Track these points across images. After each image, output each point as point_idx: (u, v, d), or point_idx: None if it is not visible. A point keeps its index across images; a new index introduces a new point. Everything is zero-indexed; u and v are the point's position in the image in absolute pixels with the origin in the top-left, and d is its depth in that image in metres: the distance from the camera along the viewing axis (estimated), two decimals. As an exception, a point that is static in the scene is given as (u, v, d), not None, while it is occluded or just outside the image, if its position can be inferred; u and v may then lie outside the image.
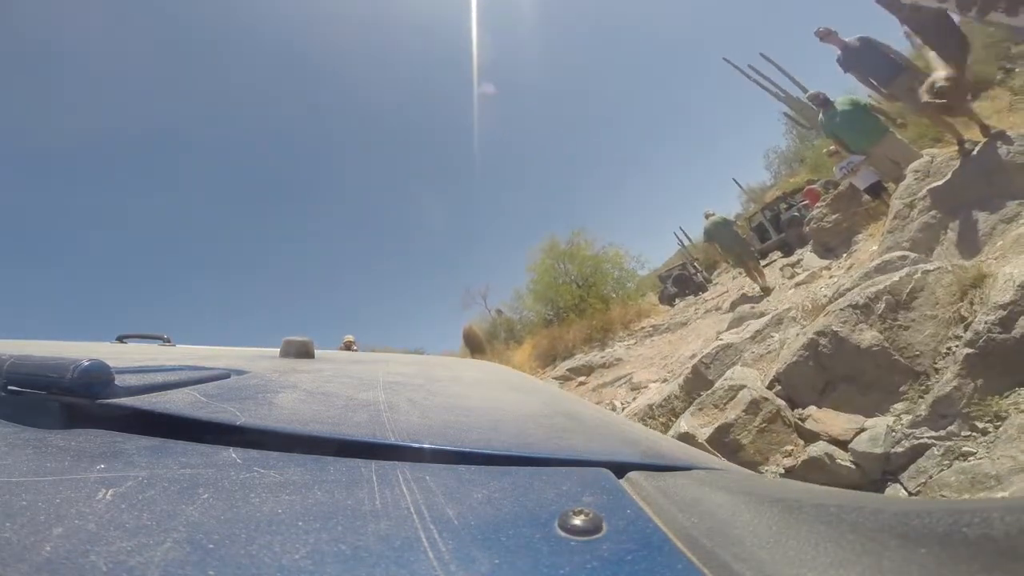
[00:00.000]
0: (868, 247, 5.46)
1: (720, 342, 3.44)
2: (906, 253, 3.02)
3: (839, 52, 4.53)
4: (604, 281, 11.63)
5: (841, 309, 2.32)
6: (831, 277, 5.43)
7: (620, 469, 0.37)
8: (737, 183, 20.01)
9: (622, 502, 0.31)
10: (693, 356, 5.52)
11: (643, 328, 8.70)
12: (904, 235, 4.07)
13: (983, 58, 7.66)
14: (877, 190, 5.09)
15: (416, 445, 0.40)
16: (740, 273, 9.95)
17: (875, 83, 4.48)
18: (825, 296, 4.54)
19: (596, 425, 0.60)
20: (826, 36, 4.56)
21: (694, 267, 13.90)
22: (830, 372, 2.32)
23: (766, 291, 6.67)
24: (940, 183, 3.84)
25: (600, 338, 9.22)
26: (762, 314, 4.91)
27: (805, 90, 14.41)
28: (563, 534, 0.26)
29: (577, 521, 0.27)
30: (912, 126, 5.57)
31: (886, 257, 2.91)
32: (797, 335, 2.66)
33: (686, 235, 20.39)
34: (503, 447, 0.42)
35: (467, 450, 0.40)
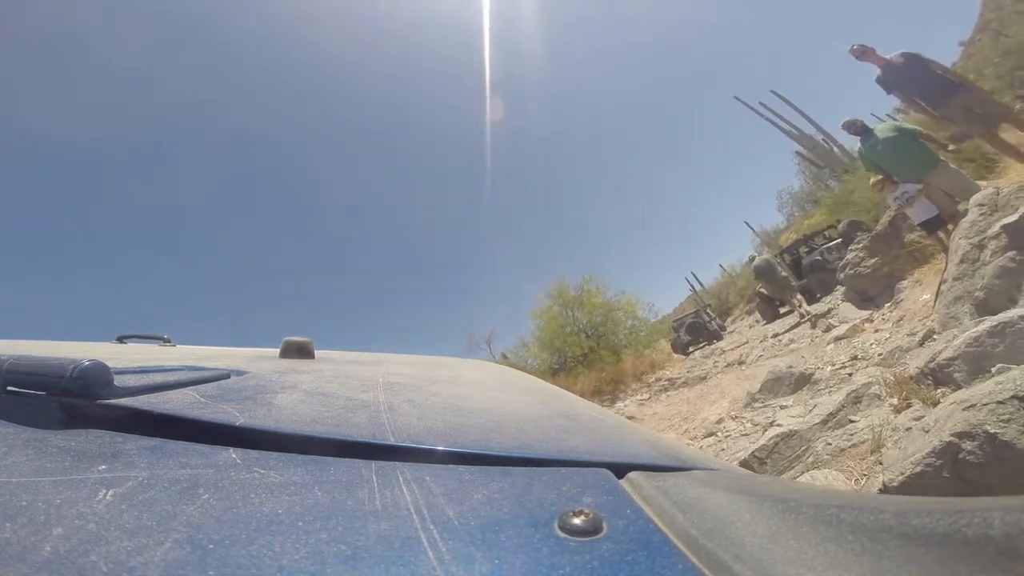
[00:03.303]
0: (916, 295, 4.80)
1: (779, 428, 2.64)
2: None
3: (879, 71, 4.05)
4: (616, 331, 10.96)
5: (999, 402, 1.61)
6: (876, 331, 4.76)
7: (620, 470, 0.37)
8: (749, 226, 19.68)
9: (622, 502, 0.31)
10: (719, 421, 4.80)
11: (658, 381, 7.98)
12: (976, 282, 3.42)
13: (997, 88, 7.30)
14: (936, 225, 4.43)
15: (416, 446, 0.40)
16: (757, 322, 10.85)
17: (924, 104, 3.94)
18: (878, 353, 3.83)
19: (596, 425, 0.59)
20: (863, 54, 4.09)
21: (708, 314, 13.26)
22: (979, 487, 1.67)
23: (808, 316, 7.26)
24: (1015, 218, 3.27)
25: (610, 391, 8.57)
26: (803, 376, 4.18)
27: (817, 127, 14.26)
28: (563, 534, 0.26)
29: (577, 521, 0.27)
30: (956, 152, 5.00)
31: (1005, 317, 2.21)
32: (910, 430, 1.89)
33: (698, 280, 19.91)
34: (503, 448, 0.41)
35: (467, 451, 0.40)
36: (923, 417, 1.99)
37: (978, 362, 2.15)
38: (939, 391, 2.24)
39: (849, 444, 2.29)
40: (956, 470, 1.67)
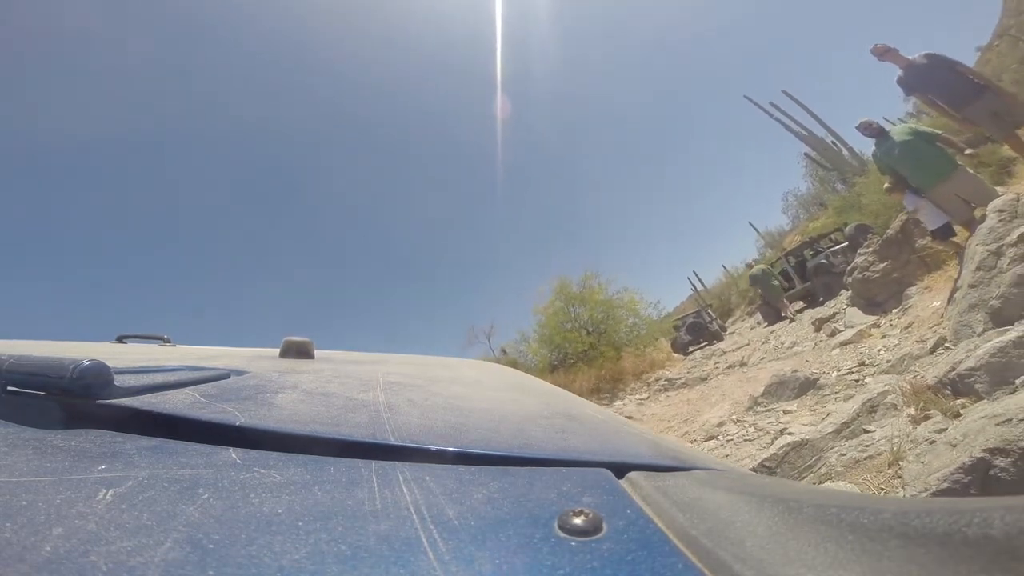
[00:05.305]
0: (926, 302, 4.72)
1: (790, 437, 2.53)
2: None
3: (900, 71, 3.95)
4: (617, 328, 10.85)
5: (1038, 419, 1.53)
6: (883, 337, 4.68)
7: (620, 469, 0.37)
8: (753, 227, 19.59)
9: (622, 502, 0.31)
10: (721, 424, 4.72)
11: (657, 380, 7.90)
12: (992, 290, 3.35)
13: (1014, 95, 7.22)
14: (945, 234, 4.34)
15: (416, 445, 0.40)
16: (758, 324, 11.29)
17: (945, 106, 3.84)
18: (887, 360, 3.75)
19: (596, 425, 0.59)
20: (885, 53, 3.99)
21: (709, 314, 13.21)
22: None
23: (790, 317, 8.80)
24: (1035, 226, 3.21)
25: (609, 389, 8.46)
26: (808, 381, 4.10)
27: (828, 129, 14.14)
28: (563, 534, 0.26)
29: (577, 521, 0.27)
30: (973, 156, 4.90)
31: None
32: (933, 443, 1.83)
33: (700, 280, 19.83)
34: (503, 447, 0.41)
35: (467, 450, 0.39)
36: (945, 429, 1.95)
37: (1001, 373, 2.08)
38: (959, 402, 2.17)
39: (864, 456, 2.20)
40: (986, 488, 1.57)
